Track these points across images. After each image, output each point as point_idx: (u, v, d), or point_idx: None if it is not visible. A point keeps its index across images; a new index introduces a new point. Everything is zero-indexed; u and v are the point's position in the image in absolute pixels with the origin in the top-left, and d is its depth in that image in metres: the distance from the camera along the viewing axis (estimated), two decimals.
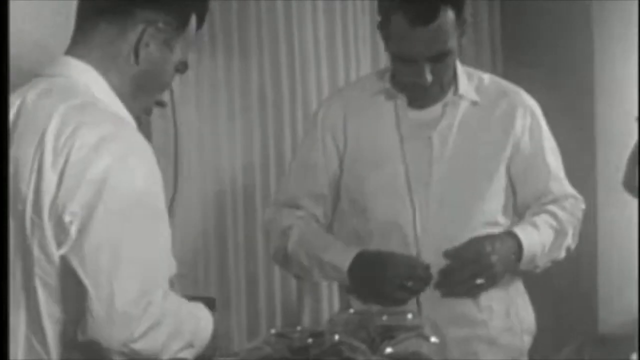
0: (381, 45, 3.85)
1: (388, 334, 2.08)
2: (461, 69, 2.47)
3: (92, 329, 1.59)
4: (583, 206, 2.55)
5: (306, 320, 3.54)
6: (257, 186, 3.64)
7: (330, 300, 3.69)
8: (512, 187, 2.47)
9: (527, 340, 2.51)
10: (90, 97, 1.71)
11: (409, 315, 2.11)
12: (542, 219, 2.44)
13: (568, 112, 3.84)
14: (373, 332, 2.08)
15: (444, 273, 2.34)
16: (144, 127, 3.15)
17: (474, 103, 2.45)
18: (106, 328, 1.58)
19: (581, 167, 3.80)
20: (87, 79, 1.73)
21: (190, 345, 1.71)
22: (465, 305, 2.42)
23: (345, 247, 2.42)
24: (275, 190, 2.74)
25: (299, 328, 1.97)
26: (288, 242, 2.46)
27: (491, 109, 2.46)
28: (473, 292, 2.37)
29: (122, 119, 1.72)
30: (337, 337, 2.02)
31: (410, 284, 2.31)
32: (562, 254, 2.49)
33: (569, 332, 3.20)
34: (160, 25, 1.74)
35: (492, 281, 2.36)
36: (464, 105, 2.44)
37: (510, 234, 2.39)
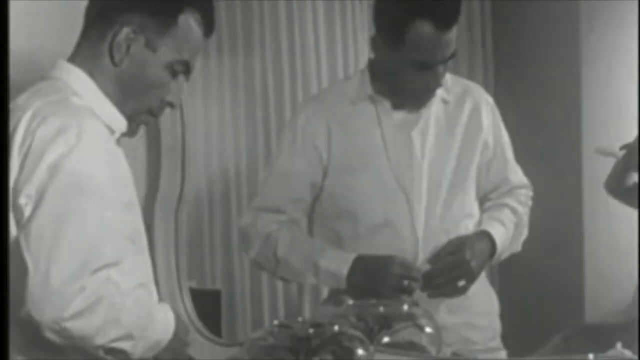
0: None
1: (385, 324, 2.11)
2: None
3: (28, 304, 1.60)
4: (531, 194, 2.61)
5: (307, 311, 3.60)
6: (261, 177, 3.68)
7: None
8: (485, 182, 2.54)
9: (497, 321, 2.59)
10: (70, 95, 1.74)
11: (405, 306, 2.14)
12: (506, 215, 2.51)
13: (555, 117, 3.89)
14: (371, 322, 2.11)
15: (429, 277, 2.38)
16: (152, 128, 3.20)
17: (444, 101, 2.48)
18: (40, 303, 1.59)
19: (569, 166, 3.86)
20: (73, 80, 1.76)
21: (129, 336, 1.71)
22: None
23: (340, 253, 2.42)
24: (257, 194, 2.67)
25: (300, 319, 2.00)
26: (277, 246, 2.45)
27: (459, 106, 2.49)
28: (456, 293, 2.43)
29: (90, 111, 1.73)
30: (336, 327, 2.05)
31: (406, 283, 2.33)
32: (519, 248, 2.57)
33: (557, 321, 3.23)
34: (135, 28, 1.75)
35: (472, 282, 2.42)
36: (436, 103, 2.46)
37: (484, 234, 2.45)
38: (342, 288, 2.43)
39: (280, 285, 3.79)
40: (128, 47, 1.75)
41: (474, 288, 2.47)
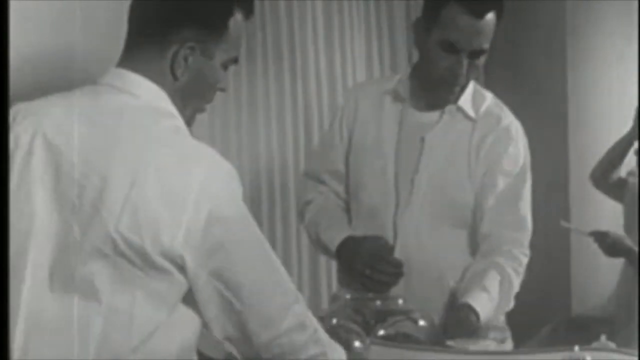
0: (374, 51, 3.98)
1: (381, 317, 2.14)
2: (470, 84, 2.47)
3: (244, 331, 1.65)
4: (526, 260, 2.44)
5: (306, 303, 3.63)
6: (262, 183, 3.71)
7: (329, 286, 3.78)
8: (479, 215, 2.44)
9: (502, 319, 2.58)
10: (173, 120, 1.68)
11: (400, 301, 2.19)
12: (492, 279, 2.35)
13: (543, 115, 3.91)
14: (368, 316, 2.15)
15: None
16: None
17: (469, 118, 2.44)
18: (256, 330, 1.64)
19: (556, 163, 3.89)
20: (154, 97, 1.70)
21: (324, 354, 1.73)
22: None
23: (340, 229, 2.44)
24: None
25: None
26: (305, 216, 2.55)
27: (485, 130, 2.44)
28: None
29: (200, 143, 1.68)
30: (335, 320, 2.09)
31: (367, 271, 2.29)
32: (512, 304, 2.42)
33: (545, 315, 3.26)
34: (192, 44, 1.69)
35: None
36: (459, 117, 2.44)
37: (469, 307, 2.27)
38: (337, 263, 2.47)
39: None
40: (186, 61, 1.71)
41: None
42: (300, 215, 2.62)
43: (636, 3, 3.58)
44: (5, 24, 1.74)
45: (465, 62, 2.32)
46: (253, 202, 3.67)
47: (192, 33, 1.70)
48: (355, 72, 3.93)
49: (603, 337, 2.01)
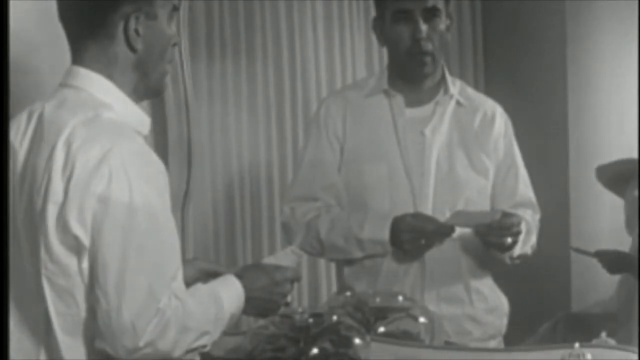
0: (374, 50, 3.96)
1: (381, 314, 2.13)
2: (448, 74, 2.54)
3: (102, 338, 1.59)
4: (539, 216, 2.60)
5: (306, 302, 3.61)
6: (262, 180, 3.69)
7: (328, 284, 3.74)
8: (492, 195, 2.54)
9: (504, 322, 2.58)
10: (99, 109, 1.68)
11: (400, 298, 2.18)
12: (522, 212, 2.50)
13: (543, 115, 3.90)
14: (368, 313, 2.12)
15: (487, 231, 2.37)
16: (160, 127, 3.20)
17: (460, 104, 2.51)
18: (114, 338, 1.58)
19: (555, 163, 3.87)
20: (97, 89, 1.71)
21: (204, 333, 1.68)
22: (455, 287, 2.49)
23: (377, 222, 2.43)
24: (289, 187, 2.68)
25: (300, 310, 2.01)
26: (319, 231, 2.47)
27: (474, 111, 2.53)
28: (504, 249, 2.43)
29: (125, 131, 1.68)
30: (335, 317, 2.07)
31: (408, 236, 2.37)
32: (529, 252, 2.55)
33: (544, 312, 3.24)
34: (135, 14, 1.70)
35: (516, 243, 2.42)
36: (451, 104, 2.50)
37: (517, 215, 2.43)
38: (387, 255, 2.44)
39: None
40: (138, 32, 1.71)
41: (477, 284, 2.50)
42: (310, 230, 2.50)
43: (636, 3, 3.57)
44: (6, 24, 1.77)
45: (421, 22, 2.39)
46: (253, 199, 3.65)
47: (130, 5, 1.71)
48: (355, 70, 3.91)
49: (603, 334, 2.01)
